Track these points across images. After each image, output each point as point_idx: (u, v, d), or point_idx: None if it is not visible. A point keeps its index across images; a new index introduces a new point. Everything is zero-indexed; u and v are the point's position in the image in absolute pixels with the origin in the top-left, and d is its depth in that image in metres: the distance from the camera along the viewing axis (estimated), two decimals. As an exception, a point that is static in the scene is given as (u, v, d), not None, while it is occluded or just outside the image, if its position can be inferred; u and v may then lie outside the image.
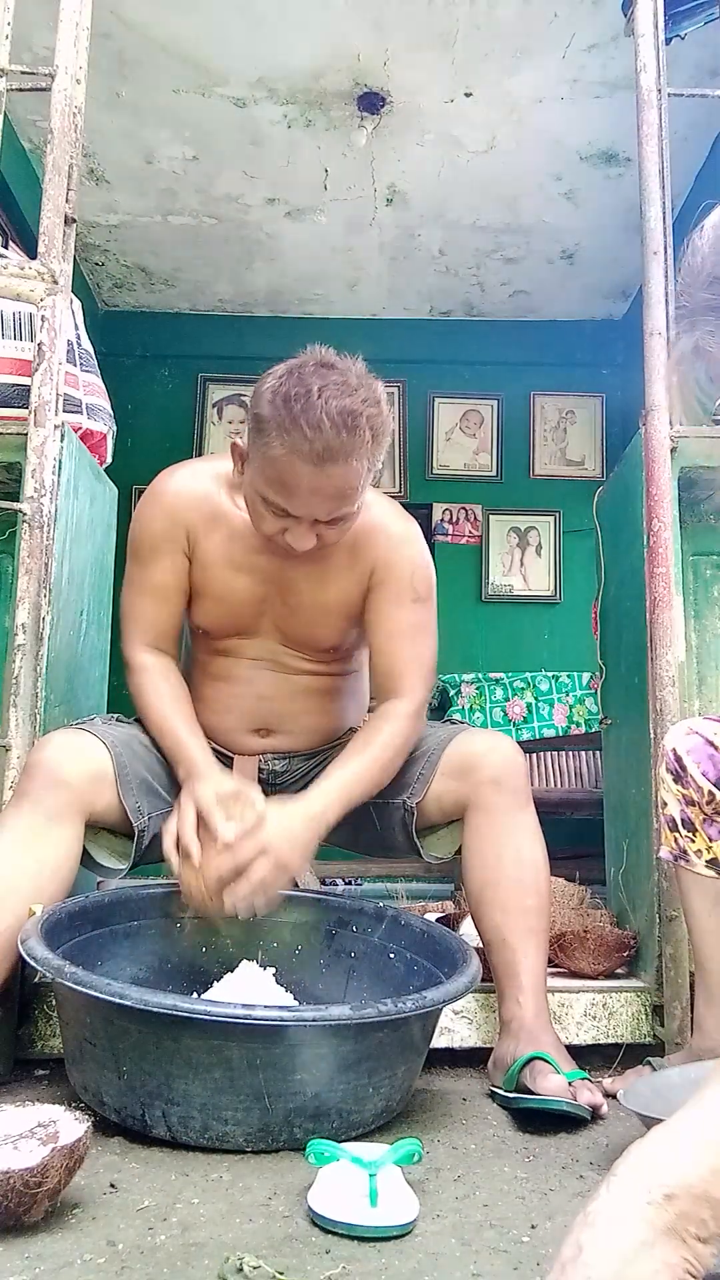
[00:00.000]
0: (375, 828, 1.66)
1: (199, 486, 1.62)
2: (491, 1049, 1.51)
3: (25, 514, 1.61)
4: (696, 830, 1.38)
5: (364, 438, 1.40)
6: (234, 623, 1.64)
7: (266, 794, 1.68)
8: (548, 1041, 1.41)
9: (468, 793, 1.55)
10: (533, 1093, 1.33)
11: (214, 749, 1.65)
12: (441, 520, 4.68)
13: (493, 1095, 1.44)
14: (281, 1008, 1.28)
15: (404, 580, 1.60)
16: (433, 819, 1.62)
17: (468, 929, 1.72)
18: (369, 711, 1.72)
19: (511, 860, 1.51)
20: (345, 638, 1.66)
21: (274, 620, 1.64)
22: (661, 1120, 0.73)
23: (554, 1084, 1.32)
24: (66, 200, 1.70)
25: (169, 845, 1.42)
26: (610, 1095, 1.41)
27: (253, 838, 1.38)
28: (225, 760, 1.68)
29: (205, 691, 1.68)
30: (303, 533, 1.47)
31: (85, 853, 1.52)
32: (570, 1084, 1.34)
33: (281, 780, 1.72)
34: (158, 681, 1.61)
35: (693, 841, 1.38)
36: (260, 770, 1.70)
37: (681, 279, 1.07)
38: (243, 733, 1.68)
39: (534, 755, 3.98)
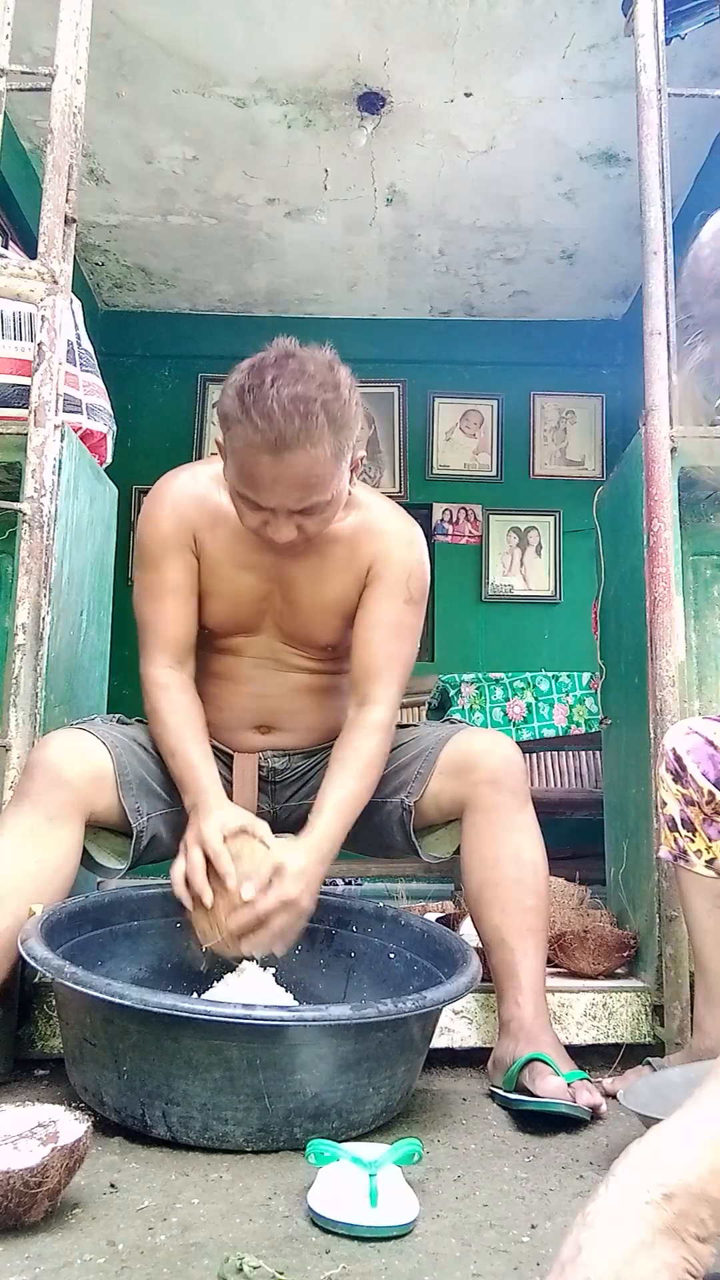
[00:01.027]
0: (373, 826, 1.66)
1: (199, 488, 1.62)
2: (491, 1049, 1.51)
3: (25, 514, 1.61)
4: (696, 830, 1.38)
5: (318, 423, 1.38)
6: (238, 621, 1.64)
7: (266, 791, 1.70)
8: (547, 1042, 1.41)
9: (466, 792, 1.55)
10: (532, 1094, 1.34)
11: (215, 747, 1.65)
12: (441, 520, 4.68)
13: (492, 1095, 1.44)
14: (281, 1008, 1.28)
15: (399, 578, 1.60)
16: (431, 818, 1.62)
17: (468, 929, 1.72)
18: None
19: (510, 860, 1.51)
20: (342, 636, 1.66)
21: (275, 618, 1.64)
22: (661, 1120, 0.73)
23: (553, 1086, 1.33)
24: (66, 200, 1.70)
25: (180, 890, 1.39)
26: (610, 1095, 1.41)
27: (274, 891, 1.36)
28: (226, 758, 1.69)
29: (207, 690, 1.68)
30: (280, 525, 1.46)
31: (85, 853, 1.52)
32: (569, 1085, 1.34)
33: (281, 778, 1.72)
34: (175, 702, 1.56)
35: (692, 841, 1.38)
36: (260, 767, 1.70)
37: (686, 290, 1.07)
38: (244, 730, 1.69)
39: (534, 755, 3.98)
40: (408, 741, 1.66)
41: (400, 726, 1.69)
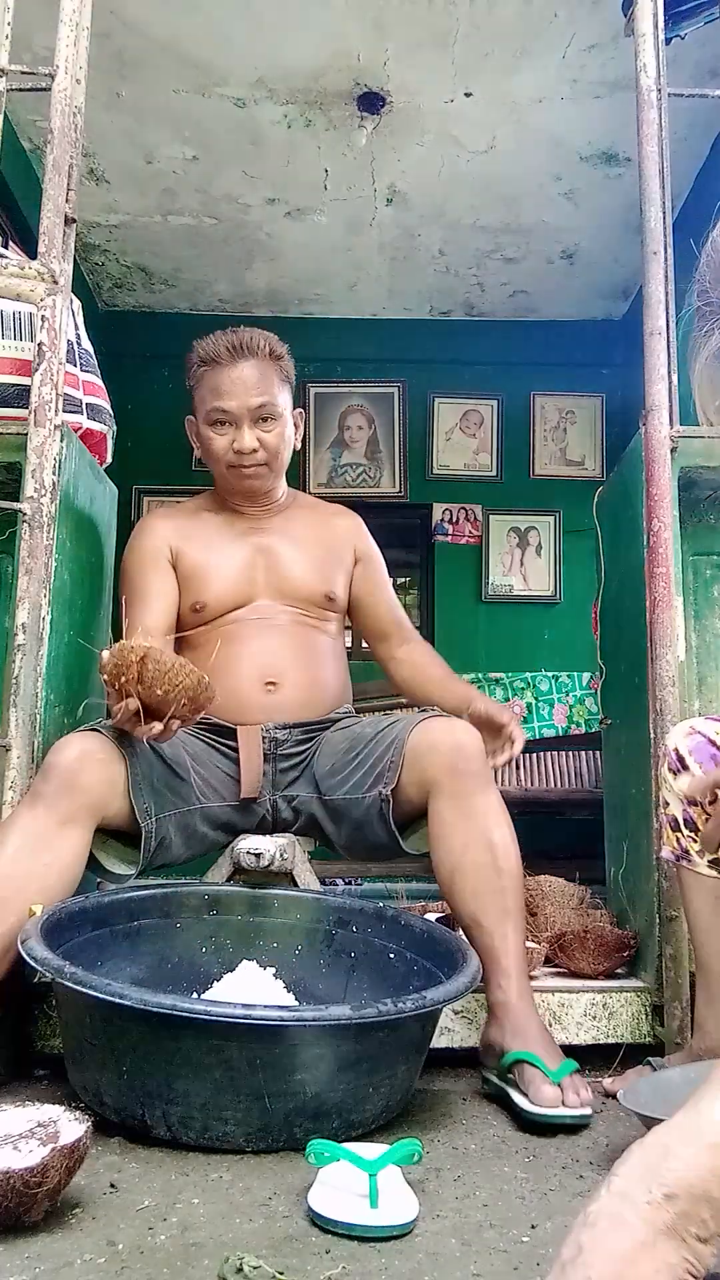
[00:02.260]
0: (355, 823, 1.68)
1: (173, 512, 1.97)
2: None
3: (25, 514, 1.61)
4: (698, 830, 1.38)
5: (260, 342, 1.85)
6: (234, 590, 1.86)
7: (270, 762, 1.78)
8: (534, 1034, 1.42)
9: (428, 780, 1.57)
10: (524, 1094, 1.35)
11: (219, 725, 1.77)
12: (441, 520, 4.67)
13: (486, 1081, 1.47)
14: (281, 1008, 1.28)
15: (379, 556, 2.03)
16: (408, 809, 1.63)
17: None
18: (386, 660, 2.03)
19: (477, 845, 1.53)
20: (332, 584, 1.93)
21: (268, 579, 1.88)
22: (661, 1120, 0.73)
23: (547, 1095, 1.33)
24: (66, 200, 1.70)
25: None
26: (610, 1095, 1.42)
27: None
28: (230, 733, 1.77)
29: (216, 662, 1.78)
30: (244, 435, 1.84)
31: (94, 859, 1.56)
32: (560, 1085, 1.34)
33: (283, 750, 1.77)
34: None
35: (694, 842, 1.38)
36: (264, 739, 1.76)
37: (705, 276, 1.06)
38: (252, 686, 1.78)
39: (534, 755, 3.98)
40: (384, 729, 1.71)
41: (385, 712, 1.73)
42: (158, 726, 1.46)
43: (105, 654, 1.47)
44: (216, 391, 1.84)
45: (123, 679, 1.45)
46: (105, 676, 1.47)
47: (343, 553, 1.97)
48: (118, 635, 1.80)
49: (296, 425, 1.95)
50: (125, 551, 1.92)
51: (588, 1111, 1.34)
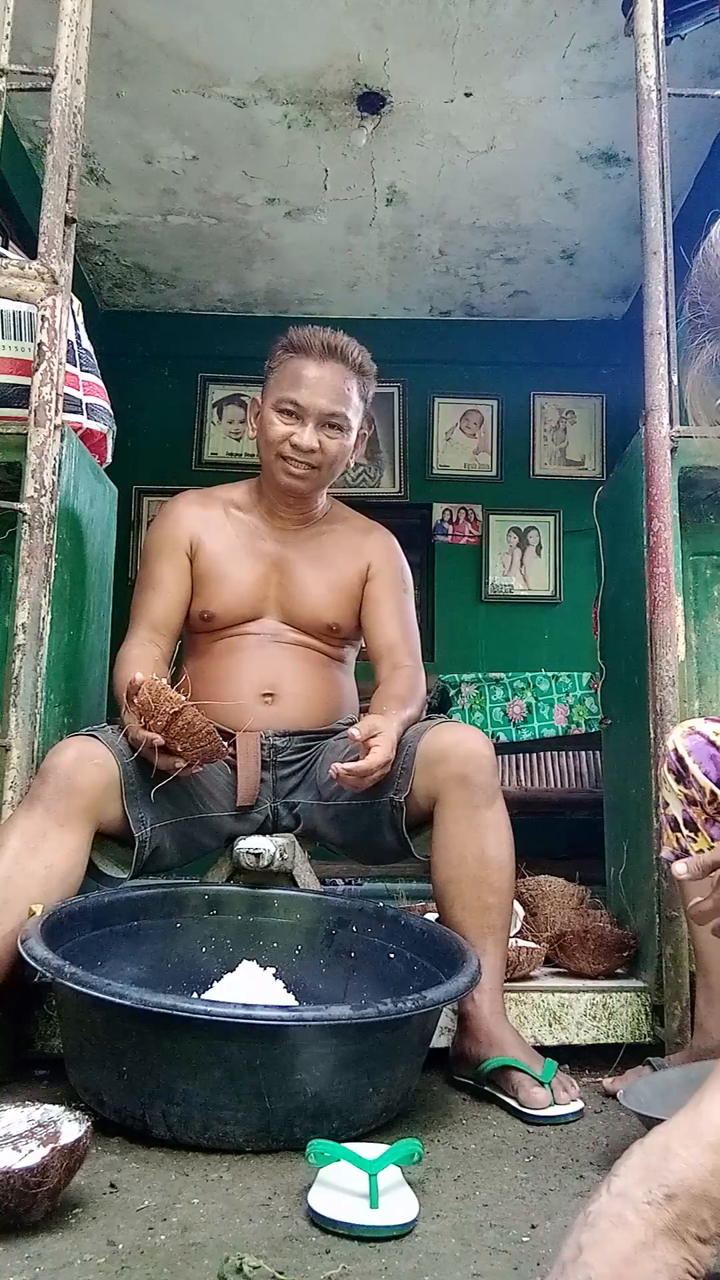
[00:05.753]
0: (363, 828, 1.68)
1: (204, 500, 1.91)
2: None
3: (25, 514, 1.61)
4: (699, 830, 1.38)
5: (350, 350, 1.84)
6: (241, 604, 1.83)
7: (269, 769, 1.77)
8: (511, 1042, 1.44)
9: (436, 787, 1.57)
10: (514, 1096, 1.38)
11: (219, 729, 1.70)
12: (441, 520, 4.67)
13: (460, 1084, 1.49)
14: (281, 1008, 1.28)
15: (397, 575, 1.93)
16: (418, 815, 1.63)
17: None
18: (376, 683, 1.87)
19: (474, 859, 1.53)
20: (343, 616, 1.87)
21: (277, 599, 1.85)
22: (661, 1120, 0.73)
23: (539, 1097, 1.36)
24: (66, 200, 1.70)
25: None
26: (610, 1095, 1.42)
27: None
28: (228, 738, 1.74)
29: (215, 672, 1.80)
30: (307, 432, 1.79)
31: (89, 861, 1.54)
32: (549, 1086, 1.38)
33: (283, 758, 1.77)
34: (142, 652, 1.76)
35: (695, 842, 1.38)
36: (262, 746, 1.75)
37: (696, 289, 1.07)
38: (249, 697, 1.77)
39: (534, 755, 3.98)
40: None
41: None
42: (169, 764, 1.52)
43: (140, 680, 1.50)
44: (296, 381, 1.80)
45: (150, 720, 1.49)
46: (133, 705, 1.50)
47: (358, 578, 1.89)
48: (122, 622, 1.85)
49: (360, 439, 1.92)
50: (150, 528, 1.92)
51: (580, 1105, 1.39)
